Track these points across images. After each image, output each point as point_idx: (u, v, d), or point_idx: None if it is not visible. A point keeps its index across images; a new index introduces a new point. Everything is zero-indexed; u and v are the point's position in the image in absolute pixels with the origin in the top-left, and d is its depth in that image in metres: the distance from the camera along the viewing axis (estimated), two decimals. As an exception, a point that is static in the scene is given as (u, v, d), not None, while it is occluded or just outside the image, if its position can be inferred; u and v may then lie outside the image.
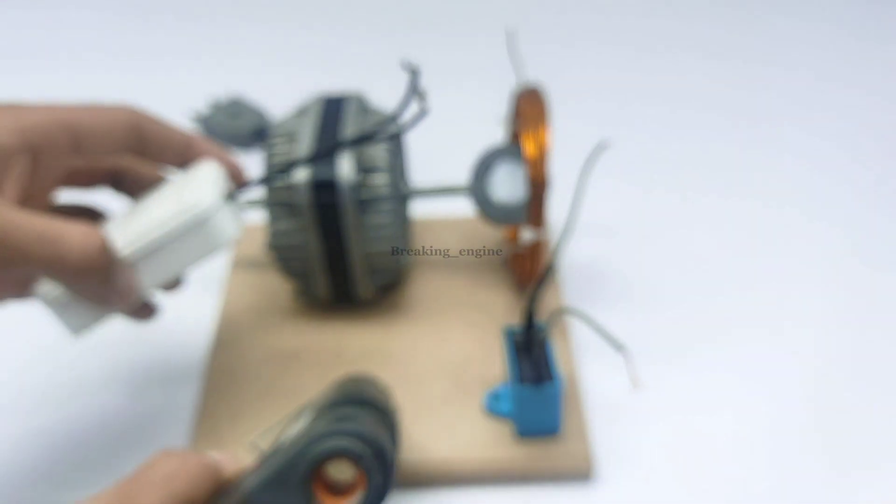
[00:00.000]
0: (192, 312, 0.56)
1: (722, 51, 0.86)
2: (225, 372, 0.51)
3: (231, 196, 0.44)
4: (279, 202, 0.50)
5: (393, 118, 0.45)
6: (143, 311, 0.46)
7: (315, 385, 0.50)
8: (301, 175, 0.49)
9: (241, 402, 0.49)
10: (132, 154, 0.44)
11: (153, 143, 0.44)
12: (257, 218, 0.56)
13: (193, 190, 0.42)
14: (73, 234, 0.37)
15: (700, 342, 0.54)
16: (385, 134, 0.46)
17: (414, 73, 0.44)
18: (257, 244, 0.60)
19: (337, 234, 0.50)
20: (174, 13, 0.95)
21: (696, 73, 0.83)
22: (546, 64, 0.78)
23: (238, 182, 0.46)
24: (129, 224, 0.43)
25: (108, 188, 0.47)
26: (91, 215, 0.47)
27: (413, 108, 0.44)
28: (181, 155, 0.45)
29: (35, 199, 0.43)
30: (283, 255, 0.52)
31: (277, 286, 0.57)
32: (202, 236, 0.42)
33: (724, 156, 0.72)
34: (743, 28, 0.90)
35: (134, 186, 0.47)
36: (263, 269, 0.58)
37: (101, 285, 0.39)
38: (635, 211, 0.65)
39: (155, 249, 0.42)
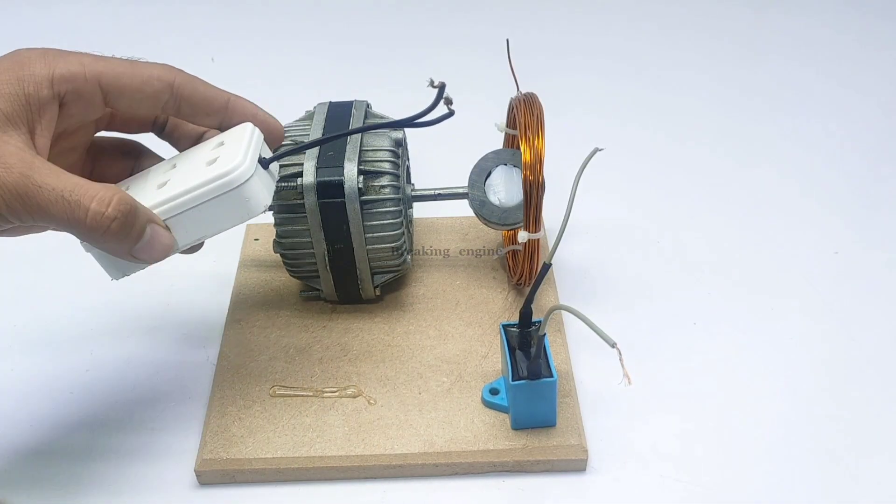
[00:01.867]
0: (201, 309, 0.57)
1: (710, 59, 0.87)
2: (234, 366, 0.52)
3: (265, 163, 0.44)
4: (286, 203, 0.51)
5: (421, 114, 0.46)
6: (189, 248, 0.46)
7: (321, 379, 0.51)
8: (308, 177, 0.50)
9: (249, 395, 0.51)
10: (168, 113, 0.44)
11: (190, 103, 0.44)
12: (265, 219, 0.57)
13: (229, 155, 0.43)
14: (91, 196, 0.38)
15: (691, 338, 0.55)
16: (409, 125, 0.46)
17: (441, 88, 0.46)
18: (264, 244, 0.61)
19: (342, 235, 0.51)
20: (185, 21, 0.96)
21: (686, 81, 0.84)
22: (542, 72, 0.79)
23: (277, 141, 0.46)
24: (164, 182, 0.43)
25: (151, 134, 0.47)
26: (132, 152, 0.48)
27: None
28: (219, 115, 0.45)
29: (68, 142, 0.43)
30: (289, 255, 0.53)
31: (284, 284, 0.58)
32: (235, 203, 0.42)
33: (714, 158, 0.73)
34: (732, 35, 0.91)
35: (176, 136, 0.47)
36: (270, 269, 0.59)
37: (122, 245, 0.40)
38: (628, 212, 0.67)
39: (187, 212, 0.42)
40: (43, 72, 0.39)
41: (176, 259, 0.52)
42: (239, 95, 0.46)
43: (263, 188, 0.43)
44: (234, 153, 0.43)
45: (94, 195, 0.38)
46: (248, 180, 0.42)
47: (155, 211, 0.42)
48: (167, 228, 0.42)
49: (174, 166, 0.45)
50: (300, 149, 0.47)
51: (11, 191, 0.37)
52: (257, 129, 0.45)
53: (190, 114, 0.44)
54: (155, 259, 0.42)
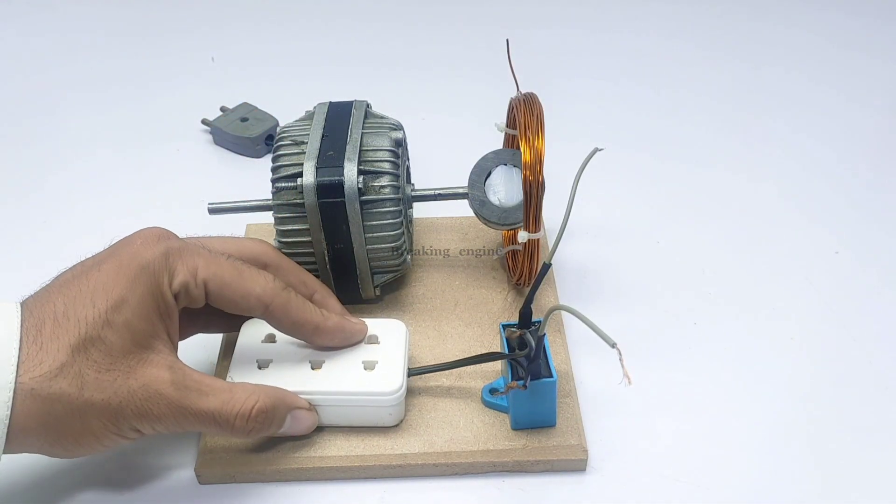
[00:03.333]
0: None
1: (711, 58, 0.87)
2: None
3: (410, 373, 0.48)
4: (286, 203, 0.51)
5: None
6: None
7: (321, 380, 0.51)
8: (308, 177, 0.50)
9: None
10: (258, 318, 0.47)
11: (279, 324, 0.47)
12: (265, 218, 0.57)
13: (389, 371, 0.47)
14: (234, 413, 0.42)
15: (691, 339, 0.55)
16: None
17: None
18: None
19: (342, 235, 0.51)
20: (185, 21, 0.96)
21: (687, 80, 0.84)
22: (542, 72, 0.79)
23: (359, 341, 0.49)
24: (318, 364, 0.47)
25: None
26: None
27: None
28: (305, 337, 0.48)
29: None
30: (289, 254, 0.52)
31: (283, 285, 0.58)
32: (380, 412, 0.46)
33: (713, 158, 0.73)
34: (733, 34, 0.91)
35: None
36: (270, 269, 0.59)
37: (263, 435, 0.46)
38: (628, 212, 0.67)
39: (335, 408, 0.47)
40: (166, 281, 0.42)
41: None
42: (329, 318, 0.48)
43: (404, 402, 0.48)
44: (395, 372, 0.47)
45: (237, 411, 0.43)
46: (400, 402, 0.47)
47: (307, 397, 0.46)
48: (311, 408, 0.46)
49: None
50: (438, 368, 0.49)
51: (170, 421, 0.41)
52: (408, 333, 0.50)
53: (278, 328, 0.47)
54: (302, 434, 0.47)
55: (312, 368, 0.47)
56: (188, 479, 0.47)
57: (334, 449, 0.47)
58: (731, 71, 0.85)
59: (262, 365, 0.48)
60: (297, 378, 0.47)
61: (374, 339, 0.49)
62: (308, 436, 0.48)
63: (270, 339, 0.49)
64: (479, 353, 0.52)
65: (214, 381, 0.43)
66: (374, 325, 0.50)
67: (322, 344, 0.48)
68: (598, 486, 0.47)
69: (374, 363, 0.47)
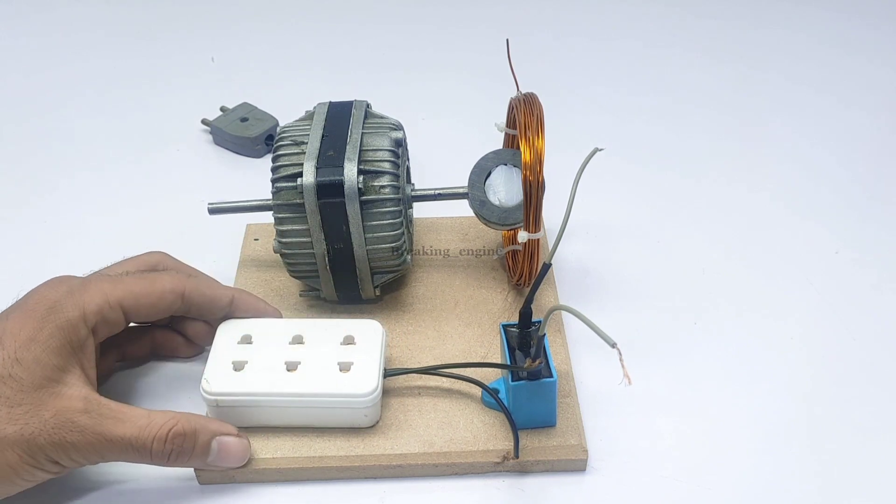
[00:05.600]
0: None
1: (712, 58, 0.87)
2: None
3: (385, 374, 0.48)
4: (286, 203, 0.51)
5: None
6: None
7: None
8: (308, 177, 0.50)
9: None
10: (179, 314, 0.49)
11: (198, 306, 0.48)
12: (265, 218, 0.57)
13: (364, 372, 0.47)
14: (151, 437, 0.43)
15: (691, 339, 0.55)
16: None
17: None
18: (264, 244, 0.61)
19: (342, 235, 0.51)
20: (185, 21, 0.96)
21: (687, 80, 0.84)
22: (542, 72, 0.79)
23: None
24: (294, 364, 0.47)
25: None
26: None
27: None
28: (224, 311, 0.49)
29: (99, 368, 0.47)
30: (289, 255, 0.53)
31: (284, 284, 0.58)
32: (356, 413, 0.46)
33: (713, 158, 0.73)
34: (734, 34, 0.91)
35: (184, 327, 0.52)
36: (270, 268, 0.59)
37: (191, 463, 0.45)
38: (628, 212, 0.66)
39: (310, 409, 0.46)
40: (76, 314, 0.43)
41: (176, 257, 0.52)
42: (242, 290, 0.51)
43: (380, 403, 0.47)
44: (370, 372, 0.47)
45: (154, 435, 0.43)
46: (376, 404, 0.46)
47: (282, 398, 0.46)
48: (240, 435, 0.46)
49: (301, 341, 0.49)
50: (415, 371, 0.50)
51: (87, 449, 0.42)
52: (385, 334, 0.50)
53: (198, 314, 0.49)
54: (236, 465, 0.46)
55: (288, 370, 0.47)
56: (188, 479, 0.47)
57: (334, 449, 0.47)
58: (731, 72, 0.85)
59: (238, 367, 0.48)
60: (272, 379, 0.47)
61: (350, 340, 0.49)
62: (309, 436, 0.48)
63: (246, 340, 0.49)
64: (479, 351, 0.53)
65: (132, 409, 0.43)
66: (350, 325, 0.50)
67: (244, 314, 0.50)
68: (598, 486, 0.47)
69: (349, 364, 0.47)
